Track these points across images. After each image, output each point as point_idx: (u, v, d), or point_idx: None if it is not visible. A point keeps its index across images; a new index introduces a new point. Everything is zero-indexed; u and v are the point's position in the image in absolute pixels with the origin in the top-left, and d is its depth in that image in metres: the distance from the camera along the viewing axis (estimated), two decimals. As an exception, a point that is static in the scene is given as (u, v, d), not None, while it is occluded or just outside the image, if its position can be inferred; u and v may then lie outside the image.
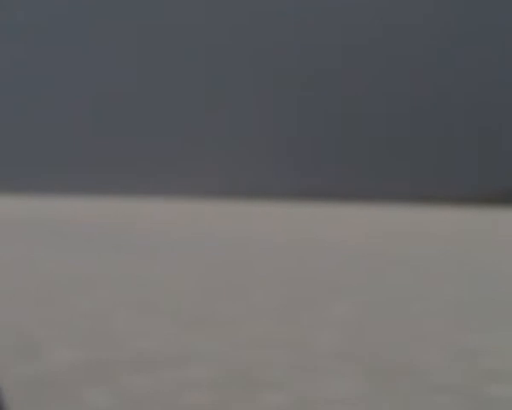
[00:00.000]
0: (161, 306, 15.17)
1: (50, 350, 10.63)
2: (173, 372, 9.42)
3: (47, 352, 10.52)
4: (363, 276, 21.92)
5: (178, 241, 37.07)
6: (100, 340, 11.45)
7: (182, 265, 24.48)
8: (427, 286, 19.63)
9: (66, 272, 21.39)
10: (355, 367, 9.91)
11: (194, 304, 15.51)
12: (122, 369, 9.54)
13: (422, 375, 9.54)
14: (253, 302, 15.99)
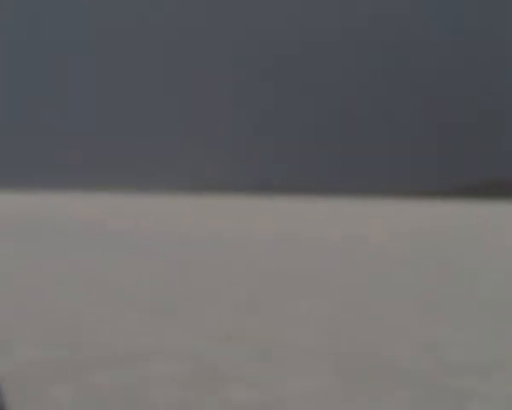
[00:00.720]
0: (138, 301, 15.13)
1: (22, 348, 10.57)
2: (145, 368, 9.41)
3: (17, 350, 10.46)
4: (345, 272, 21.97)
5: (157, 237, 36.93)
6: (70, 335, 11.40)
7: (158, 261, 24.41)
8: (408, 281, 19.72)
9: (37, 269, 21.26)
10: (327, 363, 9.94)
11: (165, 300, 15.47)
12: (94, 365, 9.51)
13: (393, 369, 9.60)
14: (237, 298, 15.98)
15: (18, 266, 21.93)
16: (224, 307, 14.58)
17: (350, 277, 20.26)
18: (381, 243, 34.57)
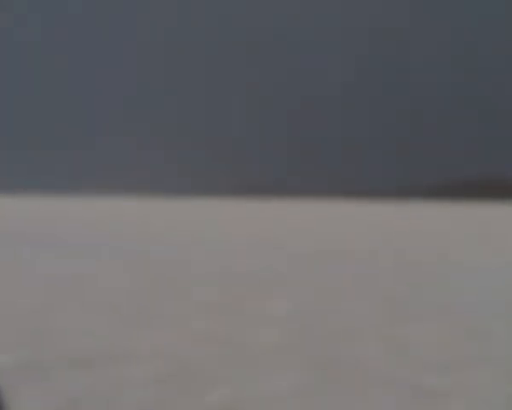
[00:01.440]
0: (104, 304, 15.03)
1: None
2: (115, 370, 9.33)
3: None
4: (303, 273, 22.06)
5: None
6: (38, 339, 11.28)
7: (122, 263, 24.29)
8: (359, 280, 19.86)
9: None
10: (297, 362, 9.96)
11: (137, 302, 15.41)
12: (63, 367, 9.41)
13: (362, 368, 9.64)
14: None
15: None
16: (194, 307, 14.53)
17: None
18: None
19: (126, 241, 34.08)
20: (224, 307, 14.77)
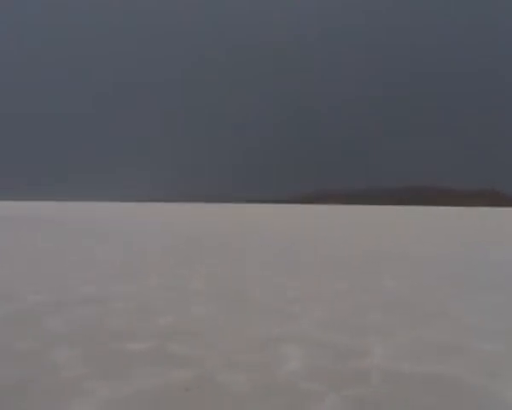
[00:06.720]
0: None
1: None
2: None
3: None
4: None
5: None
6: None
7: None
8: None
9: None
10: (218, 298, 16.52)
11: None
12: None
13: (257, 301, 16.25)
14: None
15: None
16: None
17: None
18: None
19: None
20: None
